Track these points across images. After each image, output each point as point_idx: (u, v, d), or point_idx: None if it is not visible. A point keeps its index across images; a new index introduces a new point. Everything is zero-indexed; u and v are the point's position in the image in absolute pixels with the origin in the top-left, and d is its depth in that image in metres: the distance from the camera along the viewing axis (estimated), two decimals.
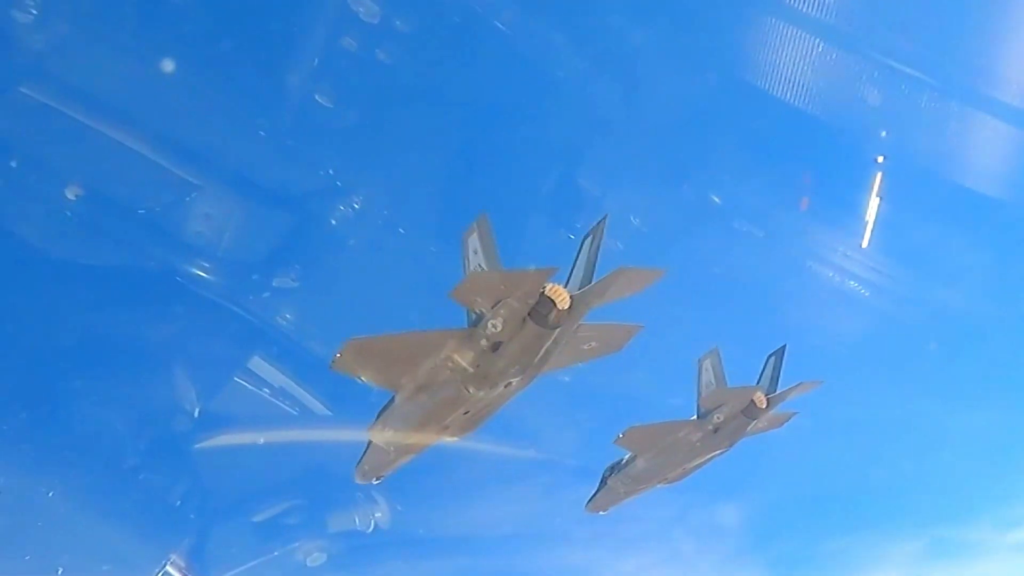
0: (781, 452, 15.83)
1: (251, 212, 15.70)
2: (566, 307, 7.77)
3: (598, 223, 9.43)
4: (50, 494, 12.71)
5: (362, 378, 8.36)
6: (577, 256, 9.41)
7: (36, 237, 14.83)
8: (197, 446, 14.94)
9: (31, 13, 14.41)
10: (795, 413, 12.26)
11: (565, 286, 8.51)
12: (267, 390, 12.58)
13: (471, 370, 8.01)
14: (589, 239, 9.42)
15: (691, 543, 17.38)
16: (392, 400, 9.28)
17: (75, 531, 14.60)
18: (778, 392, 11.56)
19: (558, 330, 7.83)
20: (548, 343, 7.87)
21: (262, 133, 15.50)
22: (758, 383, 11.94)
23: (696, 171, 15.68)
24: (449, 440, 9.65)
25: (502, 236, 15.55)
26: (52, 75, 14.87)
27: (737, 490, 17.51)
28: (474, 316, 8.61)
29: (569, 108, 15.52)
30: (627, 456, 12.52)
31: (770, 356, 12.20)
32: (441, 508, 16.26)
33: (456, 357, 8.07)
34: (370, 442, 10.19)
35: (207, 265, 15.15)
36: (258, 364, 15.00)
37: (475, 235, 8.90)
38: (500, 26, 14.34)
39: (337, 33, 14.54)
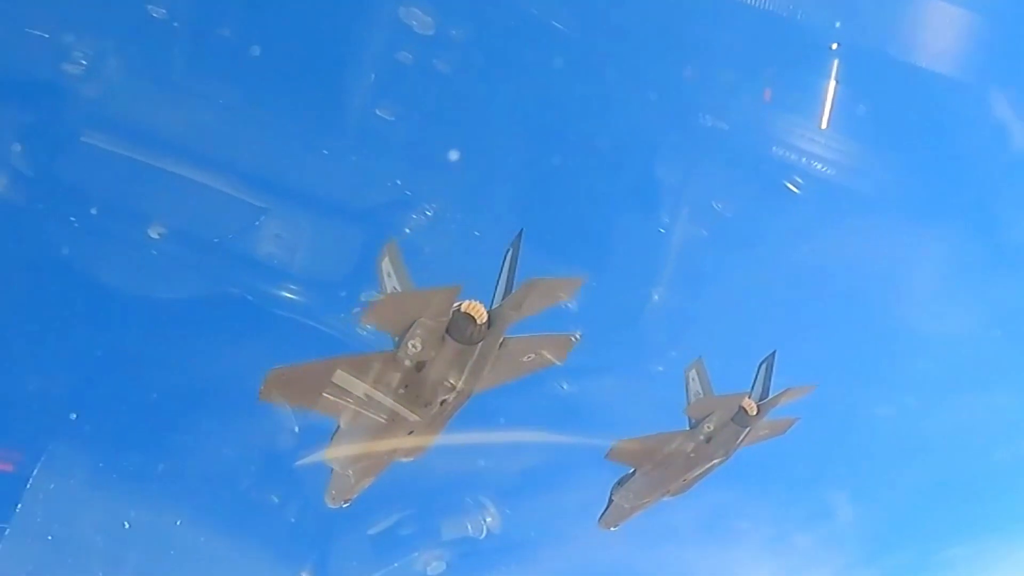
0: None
1: (327, 231, 15.62)
2: (484, 321, 7.73)
3: (516, 237, 9.35)
4: (177, 523, 13.34)
5: (291, 407, 8.40)
6: (500, 269, 9.25)
7: (129, 279, 15.03)
8: (300, 463, 15.42)
9: (81, 64, 14.23)
10: (796, 419, 12.01)
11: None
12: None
13: (401, 391, 8.02)
14: (509, 252, 9.30)
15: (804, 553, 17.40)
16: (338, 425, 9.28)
17: (207, 558, 15.33)
18: (769, 398, 11.22)
19: (480, 345, 7.80)
20: (473, 359, 7.89)
21: (325, 152, 15.21)
22: (751, 390, 11.60)
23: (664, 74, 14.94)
24: (404, 460, 9.70)
25: (576, 230, 15.32)
26: (110, 121, 14.86)
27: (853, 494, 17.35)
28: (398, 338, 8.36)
29: (630, 102, 14.82)
30: (630, 471, 12.41)
31: (761, 363, 11.77)
32: (554, 509, 16.67)
33: (383, 379, 8.07)
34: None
35: (294, 287, 15.18)
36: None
37: (386, 259, 8.91)
38: (558, 26, 13.62)
39: (392, 48, 14.01)
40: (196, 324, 15.16)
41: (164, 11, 13.93)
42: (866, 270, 14.93)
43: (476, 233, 15.76)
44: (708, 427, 10.80)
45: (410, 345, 7.75)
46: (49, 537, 14.12)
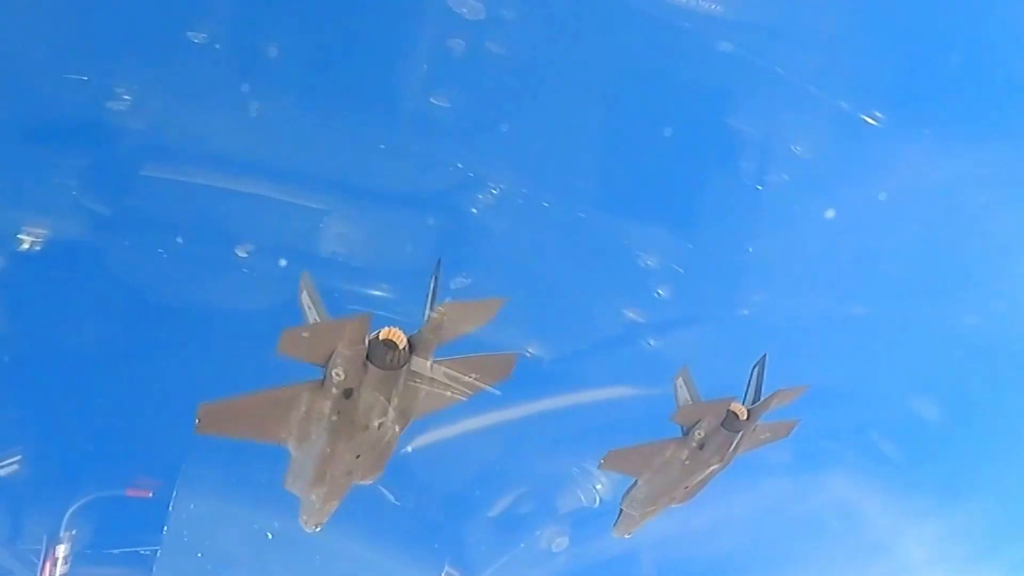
0: None
1: (398, 223, 15.55)
2: (404, 347, 7.75)
3: (436, 264, 9.33)
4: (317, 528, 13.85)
5: (229, 438, 8.45)
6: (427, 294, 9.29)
7: (226, 298, 15.08)
8: (408, 450, 15.82)
9: (125, 99, 13.96)
10: (797, 421, 11.66)
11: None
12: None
13: (334, 418, 8.04)
14: (433, 277, 9.28)
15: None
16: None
17: (349, 559, 15.73)
18: (759, 402, 10.81)
19: (404, 370, 7.84)
20: (399, 383, 7.93)
21: (382, 146, 14.96)
22: (745, 395, 11.21)
23: None
24: (363, 484, 9.66)
25: (651, 188, 15.09)
26: (164, 149, 14.76)
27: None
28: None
29: (687, 69, 14.25)
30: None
31: (753, 367, 11.37)
32: None
33: (316, 408, 8.13)
34: None
35: (386, 286, 15.23)
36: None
37: (304, 293, 8.85)
38: None
39: (443, 36, 13.53)
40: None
41: (204, 35, 13.51)
42: (953, 195, 14.59)
43: (545, 204, 15.60)
44: (699, 434, 10.56)
45: (333, 374, 7.75)
46: (199, 554, 14.76)
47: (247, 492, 14.72)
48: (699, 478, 11.15)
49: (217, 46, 13.67)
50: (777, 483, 16.63)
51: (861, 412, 16.69)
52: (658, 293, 15.84)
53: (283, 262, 14.80)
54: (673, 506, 12.01)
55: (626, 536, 12.96)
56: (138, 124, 14.21)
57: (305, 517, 10.22)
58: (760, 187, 14.54)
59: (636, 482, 11.90)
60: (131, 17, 13.53)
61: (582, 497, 15.31)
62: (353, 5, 14.02)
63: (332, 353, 7.66)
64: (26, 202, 14.22)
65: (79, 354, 14.98)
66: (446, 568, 14.88)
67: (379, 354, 7.56)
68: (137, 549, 14.41)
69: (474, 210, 15.49)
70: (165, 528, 14.43)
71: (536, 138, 15.01)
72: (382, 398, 7.78)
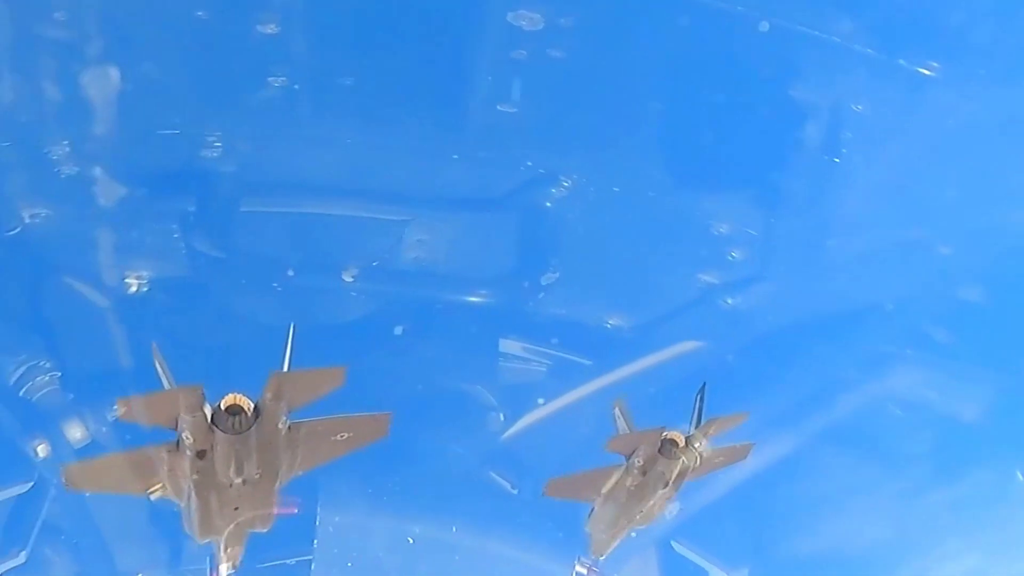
0: None
1: (479, 225, 16.37)
2: (250, 411, 7.76)
3: (289, 329, 9.38)
4: (453, 529, 14.63)
5: (97, 492, 8.61)
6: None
7: (343, 319, 16.18)
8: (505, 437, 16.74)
9: (216, 147, 14.93)
10: (752, 444, 11.77)
11: None
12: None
13: (196, 477, 8.02)
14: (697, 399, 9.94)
15: None
16: None
17: (488, 557, 16.48)
18: (696, 430, 10.81)
19: (252, 433, 7.83)
20: (250, 444, 7.89)
21: (455, 156, 15.73)
22: (690, 422, 11.19)
23: None
24: (260, 531, 9.74)
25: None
26: (257, 185, 15.68)
27: None
28: None
29: (742, 50, 14.68)
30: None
31: (696, 395, 11.36)
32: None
33: (177, 467, 8.14)
34: None
35: (484, 292, 16.17)
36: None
37: (156, 359, 8.76)
38: None
39: (506, 49, 14.19)
40: (409, 343, 16.19)
41: (283, 79, 14.36)
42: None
43: (615, 189, 16.25)
44: (638, 461, 10.49)
45: (183, 436, 7.83)
46: (349, 564, 15.91)
47: (383, 501, 15.92)
48: (650, 503, 11.00)
49: (296, 86, 14.54)
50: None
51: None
52: (732, 256, 16.45)
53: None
54: (636, 528, 11.93)
55: (602, 556, 12.92)
56: (228, 165, 15.27)
57: (223, 557, 10.01)
58: (837, 159, 15.02)
59: (593, 507, 11.89)
60: (214, 70, 14.40)
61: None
62: (418, 31, 14.66)
63: (177, 418, 7.79)
64: (136, 249, 15.35)
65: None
66: (577, 562, 15.52)
67: (221, 420, 7.69)
68: (287, 561, 15.62)
69: (548, 204, 16.23)
70: (315, 541, 15.61)
71: (601, 130, 15.63)
72: (233, 460, 7.83)
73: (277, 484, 8.25)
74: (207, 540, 9.03)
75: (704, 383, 11.00)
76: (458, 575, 16.19)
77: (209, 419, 7.28)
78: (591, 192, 16.24)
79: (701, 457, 10.69)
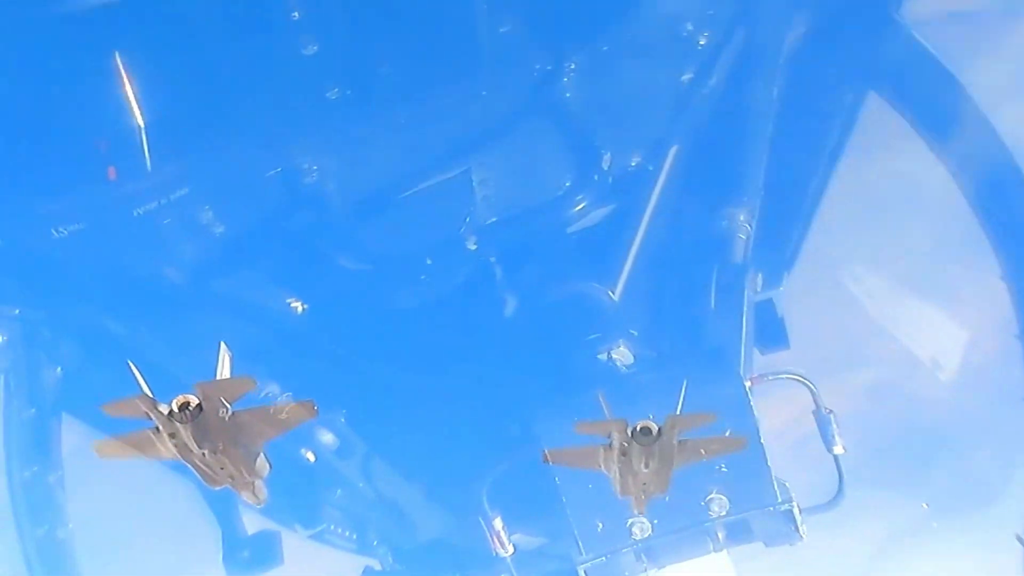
0: None
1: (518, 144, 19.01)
2: (195, 406, 8.95)
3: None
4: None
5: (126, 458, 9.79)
6: None
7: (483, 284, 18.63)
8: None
9: (313, 170, 17.93)
10: (745, 440, 12.23)
11: None
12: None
13: (176, 450, 9.50)
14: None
15: None
16: None
17: None
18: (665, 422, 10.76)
19: (199, 421, 9.02)
20: (203, 427, 9.10)
21: (484, 93, 18.65)
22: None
23: None
24: (255, 504, 11.16)
25: None
26: (357, 192, 18.55)
27: None
28: None
29: None
30: None
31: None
32: None
33: (164, 444, 9.48)
34: None
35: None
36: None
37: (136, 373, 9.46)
38: None
39: None
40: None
41: (336, 89, 17.58)
42: None
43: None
44: (615, 444, 10.62)
45: (157, 427, 9.15)
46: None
47: None
48: (643, 480, 11.06)
49: (348, 92, 17.66)
50: None
51: None
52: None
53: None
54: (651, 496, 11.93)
55: (640, 512, 13.22)
56: (332, 185, 18.17)
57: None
58: None
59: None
60: (277, 101, 17.18)
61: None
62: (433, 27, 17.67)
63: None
64: (292, 276, 18.08)
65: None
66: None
67: (177, 413, 8.97)
68: None
69: (568, 94, 19.28)
70: None
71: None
72: (193, 439, 9.08)
73: (241, 451, 9.62)
74: (219, 488, 10.35)
75: (686, 380, 11.28)
76: None
77: (167, 413, 8.89)
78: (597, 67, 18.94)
79: (676, 445, 10.86)
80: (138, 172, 16.58)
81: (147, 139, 16.37)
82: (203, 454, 8.90)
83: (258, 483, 10.24)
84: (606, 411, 10.47)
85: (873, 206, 21.98)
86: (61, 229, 16.49)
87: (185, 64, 16.38)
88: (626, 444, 10.27)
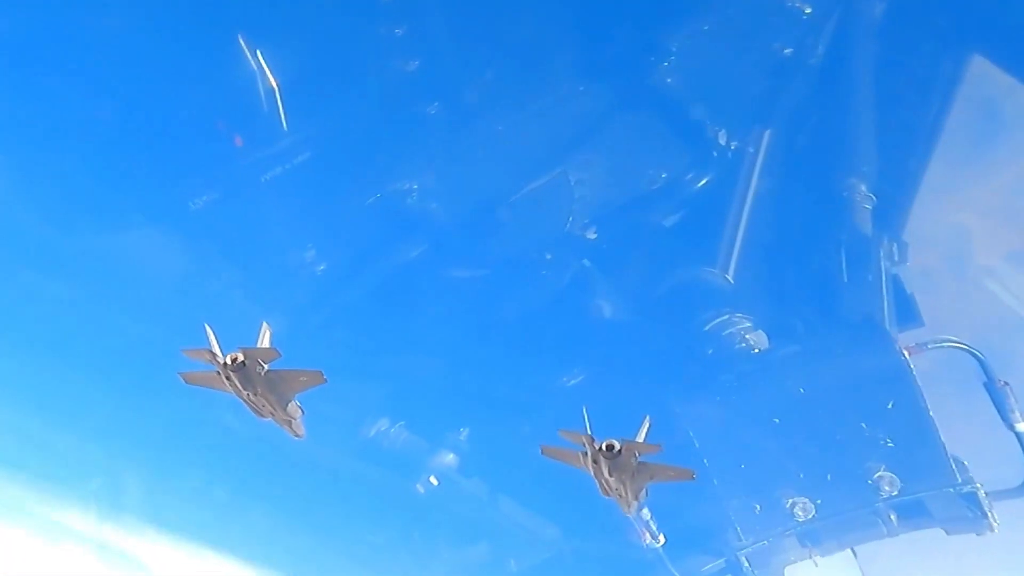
0: None
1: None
2: (240, 361, 11.33)
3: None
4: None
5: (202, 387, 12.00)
6: None
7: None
8: None
9: (414, 188, 17.81)
10: (694, 473, 12.18)
11: None
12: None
13: (232, 389, 11.79)
14: None
15: None
16: None
17: None
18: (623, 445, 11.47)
19: (242, 371, 11.41)
20: (246, 377, 11.51)
21: (582, 88, 18.47)
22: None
23: None
24: (296, 437, 13.02)
25: None
26: (462, 205, 18.28)
27: None
28: None
29: None
30: None
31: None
32: None
33: (224, 384, 11.77)
34: None
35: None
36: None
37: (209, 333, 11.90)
38: None
39: None
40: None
41: (436, 104, 17.57)
42: None
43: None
44: (586, 454, 11.50)
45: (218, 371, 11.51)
46: None
47: None
48: (614, 486, 11.92)
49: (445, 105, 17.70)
50: None
51: None
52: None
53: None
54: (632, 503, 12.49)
55: (631, 513, 13.54)
56: (435, 202, 17.98)
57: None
58: None
59: None
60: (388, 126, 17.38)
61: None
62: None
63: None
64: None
65: None
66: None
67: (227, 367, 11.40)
68: None
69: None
70: None
71: None
72: (240, 383, 11.41)
73: (275, 396, 11.76)
74: (264, 420, 12.25)
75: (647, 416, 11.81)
76: None
77: (223, 364, 11.16)
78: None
79: (637, 466, 11.69)
80: None
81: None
82: (247, 395, 11.12)
83: (295, 422, 12.08)
84: (586, 425, 11.26)
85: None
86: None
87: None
88: (594, 455, 11.27)
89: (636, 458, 11.47)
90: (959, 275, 21.20)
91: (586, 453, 11.40)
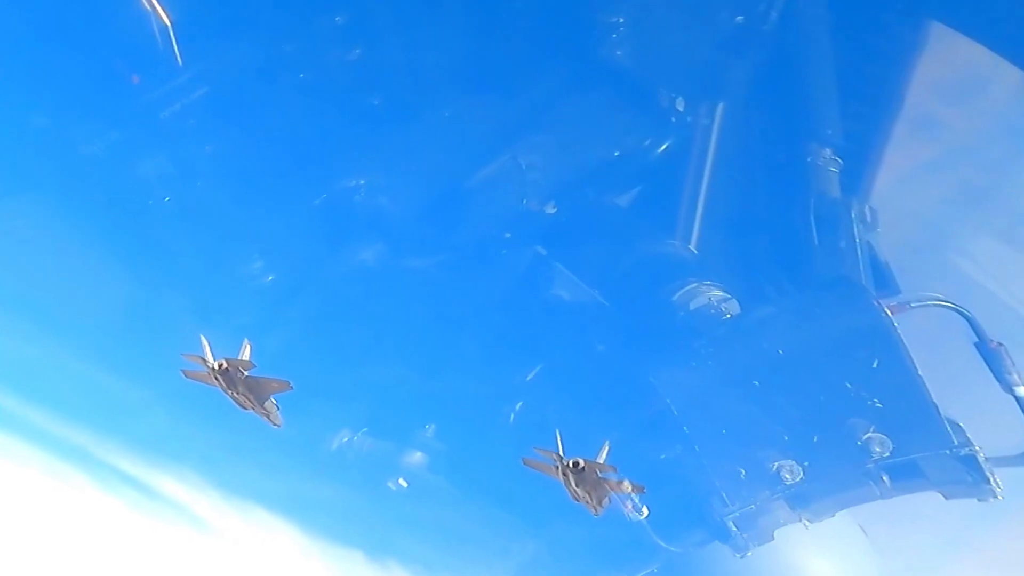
0: None
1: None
2: (223, 367, 11.68)
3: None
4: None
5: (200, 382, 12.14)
6: None
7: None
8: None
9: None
10: (643, 487, 12.74)
11: None
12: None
13: (219, 388, 12.09)
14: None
15: None
16: None
17: None
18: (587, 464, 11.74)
19: (225, 375, 11.79)
20: (229, 380, 11.93)
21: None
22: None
23: None
24: (273, 426, 12.89)
25: None
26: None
27: None
28: None
29: None
30: None
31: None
32: None
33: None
34: None
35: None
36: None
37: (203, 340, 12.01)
38: None
39: None
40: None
41: None
42: None
43: None
44: (559, 468, 11.89)
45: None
46: None
47: None
48: (582, 495, 12.27)
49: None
50: None
51: None
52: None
53: None
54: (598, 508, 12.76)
55: (599, 515, 13.55)
56: (385, 196, 17.41)
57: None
58: None
59: None
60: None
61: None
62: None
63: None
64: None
65: None
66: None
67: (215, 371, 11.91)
68: None
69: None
70: None
71: None
72: (224, 384, 11.84)
73: (253, 396, 12.26)
74: (245, 412, 12.52)
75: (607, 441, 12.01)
76: None
77: (212, 368, 11.75)
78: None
79: (597, 480, 12.14)
80: None
81: None
82: (231, 393, 12.08)
83: (272, 414, 12.67)
84: (558, 444, 11.68)
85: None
86: None
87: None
88: (563, 470, 11.86)
89: (597, 474, 11.98)
90: (932, 245, 20.74)
91: (556, 467, 11.88)
